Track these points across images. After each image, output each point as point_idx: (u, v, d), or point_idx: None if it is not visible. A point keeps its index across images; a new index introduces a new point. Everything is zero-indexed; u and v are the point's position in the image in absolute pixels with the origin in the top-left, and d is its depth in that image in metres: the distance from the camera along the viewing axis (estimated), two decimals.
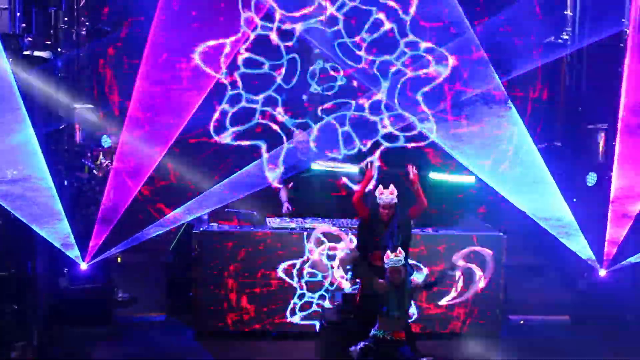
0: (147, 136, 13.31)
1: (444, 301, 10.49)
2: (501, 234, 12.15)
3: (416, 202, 10.57)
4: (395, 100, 14.13)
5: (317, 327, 11.71)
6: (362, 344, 10.03)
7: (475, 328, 11.96)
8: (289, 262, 11.84)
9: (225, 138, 13.54)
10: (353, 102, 14.05)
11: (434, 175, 11.94)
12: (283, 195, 12.99)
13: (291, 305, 11.87)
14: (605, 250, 12.29)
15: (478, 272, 10.22)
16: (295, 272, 11.86)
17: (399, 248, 10.07)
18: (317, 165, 12.37)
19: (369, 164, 10.83)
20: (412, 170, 10.58)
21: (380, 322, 10.05)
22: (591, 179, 12.82)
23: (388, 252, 10.09)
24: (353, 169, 12.14)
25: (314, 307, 11.88)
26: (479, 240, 11.96)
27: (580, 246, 12.35)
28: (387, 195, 10.48)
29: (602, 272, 12.29)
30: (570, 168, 13.35)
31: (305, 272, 11.86)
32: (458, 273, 10.24)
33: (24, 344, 8.87)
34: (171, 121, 13.35)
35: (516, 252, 13.44)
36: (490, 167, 13.01)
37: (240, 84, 13.85)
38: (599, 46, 13.11)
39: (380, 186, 10.60)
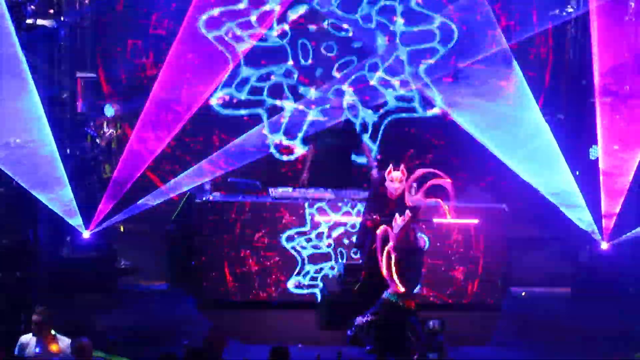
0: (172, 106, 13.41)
1: None
2: (503, 206, 12.14)
3: None
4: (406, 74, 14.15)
5: (319, 297, 11.74)
6: (368, 316, 10.06)
7: (476, 299, 11.98)
8: (292, 232, 11.84)
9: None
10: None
11: (436, 221, 11.75)
12: (307, 161, 12.93)
13: (293, 275, 11.88)
14: (603, 223, 12.29)
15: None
16: (298, 242, 11.87)
17: (407, 211, 10.02)
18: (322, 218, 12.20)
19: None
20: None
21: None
22: (594, 151, 12.79)
23: (397, 216, 10.06)
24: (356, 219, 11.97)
25: (316, 277, 11.89)
26: (481, 212, 11.98)
27: (583, 219, 12.34)
28: (397, 183, 10.45)
29: (604, 245, 12.29)
30: (573, 141, 13.31)
31: (307, 241, 11.87)
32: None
33: (43, 309, 8.88)
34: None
35: (518, 224, 13.45)
36: (495, 135, 13.00)
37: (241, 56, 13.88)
38: (604, 18, 13.04)
39: (391, 166, 10.59)
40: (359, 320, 10.22)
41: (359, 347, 10.25)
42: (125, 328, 10.90)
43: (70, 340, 8.81)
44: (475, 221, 11.91)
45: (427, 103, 14.16)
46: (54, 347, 8.78)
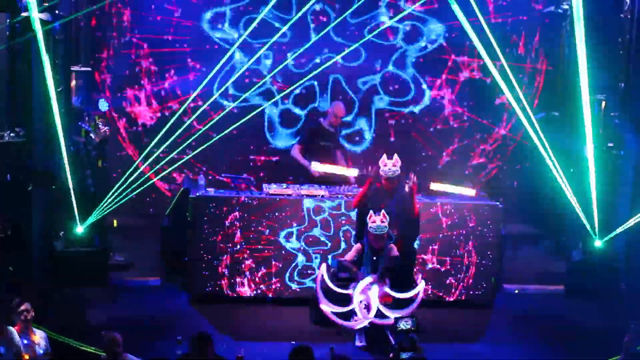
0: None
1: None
2: (497, 203, 12.14)
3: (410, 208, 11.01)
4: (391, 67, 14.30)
5: (313, 292, 11.73)
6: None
7: (469, 296, 11.99)
8: (285, 228, 11.83)
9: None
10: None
11: (434, 186, 11.82)
12: (300, 156, 12.82)
13: (287, 271, 11.87)
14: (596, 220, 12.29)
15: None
16: (292, 238, 11.85)
17: (383, 212, 10.26)
18: (318, 167, 12.21)
19: (370, 169, 10.95)
20: (412, 179, 10.76)
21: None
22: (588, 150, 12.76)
23: (371, 212, 10.29)
24: (353, 172, 12.01)
25: (310, 273, 11.88)
26: (475, 209, 11.98)
27: (579, 215, 12.33)
28: (391, 167, 10.64)
29: (597, 243, 12.29)
30: (568, 138, 13.32)
31: (302, 238, 11.86)
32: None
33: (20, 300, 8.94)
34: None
35: (512, 221, 13.47)
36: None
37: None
38: (599, 15, 13.06)
39: (385, 156, 10.71)
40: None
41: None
42: (118, 323, 10.86)
43: (44, 332, 9.02)
44: (473, 192, 11.95)
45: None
46: (35, 338, 8.85)
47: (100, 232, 12.47)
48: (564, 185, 12.16)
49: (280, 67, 13.76)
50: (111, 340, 8.49)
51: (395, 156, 10.82)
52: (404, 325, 9.78)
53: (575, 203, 12.15)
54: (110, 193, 11.83)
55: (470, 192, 12.08)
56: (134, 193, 11.89)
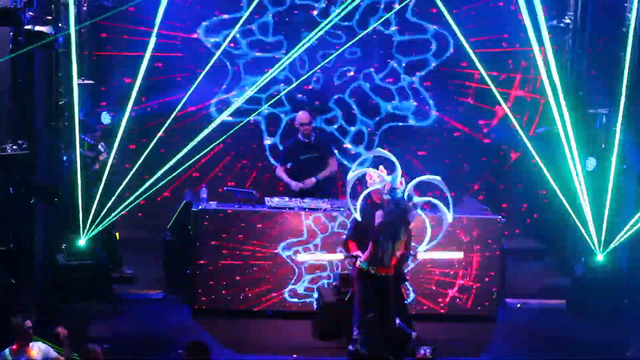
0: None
1: (421, 249, 10.39)
2: (500, 217, 12.13)
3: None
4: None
5: (314, 306, 11.73)
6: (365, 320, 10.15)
7: (471, 310, 11.97)
8: (287, 241, 11.83)
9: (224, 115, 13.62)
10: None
11: (422, 254, 11.41)
12: (284, 176, 12.80)
13: (289, 285, 11.87)
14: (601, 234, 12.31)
15: (443, 209, 10.20)
16: (293, 250, 11.85)
17: (381, 167, 10.22)
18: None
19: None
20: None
21: (369, 253, 10.06)
22: (590, 164, 12.78)
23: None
24: (338, 256, 11.86)
25: (312, 287, 11.88)
26: (477, 223, 11.98)
27: (581, 230, 12.36)
28: (376, 178, 10.43)
29: (599, 257, 12.31)
30: (570, 152, 13.33)
31: (303, 251, 11.85)
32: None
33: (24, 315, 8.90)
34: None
35: (514, 235, 13.47)
36: None
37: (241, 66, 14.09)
38: (600, 30, 13.10)
39: (370, 171, 10.53)
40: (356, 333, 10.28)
41: None
42: (120, 336, 10.89)
43: (46, 346, 8.95)
44: (460, 255, 11.75)
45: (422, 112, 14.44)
46: (33, 353, 8.81)
47: (109, 245, 12.53)
48: (565, 200, 12.22)
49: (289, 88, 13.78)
50: (89, 352, 8.43)
51: (381, 167, 10.62)
52: (424, 353, 9.74)
53: (579, 217, 12.21)
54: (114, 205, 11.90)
55: (458, 255, 11.83)
56: (132, 205, 11.98)
